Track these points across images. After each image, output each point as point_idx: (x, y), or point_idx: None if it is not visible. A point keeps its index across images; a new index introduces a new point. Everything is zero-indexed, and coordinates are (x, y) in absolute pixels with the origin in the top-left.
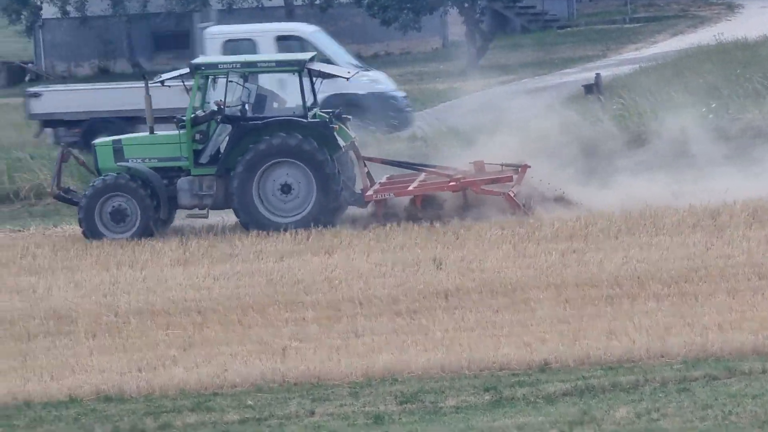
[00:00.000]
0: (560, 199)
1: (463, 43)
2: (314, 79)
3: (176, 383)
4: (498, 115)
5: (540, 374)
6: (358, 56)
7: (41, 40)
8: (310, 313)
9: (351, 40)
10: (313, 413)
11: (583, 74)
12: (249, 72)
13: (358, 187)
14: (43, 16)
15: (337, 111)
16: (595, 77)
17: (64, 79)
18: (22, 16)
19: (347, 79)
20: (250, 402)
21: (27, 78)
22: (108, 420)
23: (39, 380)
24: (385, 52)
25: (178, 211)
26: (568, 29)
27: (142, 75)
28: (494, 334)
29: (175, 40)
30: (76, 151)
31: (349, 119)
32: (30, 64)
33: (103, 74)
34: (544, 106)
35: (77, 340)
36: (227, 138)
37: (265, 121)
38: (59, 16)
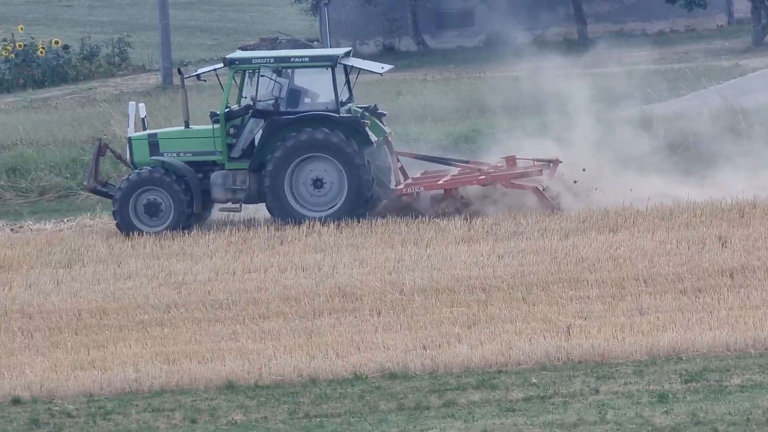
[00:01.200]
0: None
1: (748, 20)
2: (349, 74)
3: (460, 361)
4: None
5: None
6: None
7: (326, 18)
8: (594, 291)
9: (636, 17)
10: (597, 391)
11: None
12: (282, 67)
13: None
14: None
15: (373, 106)
16: None
17: None
18: None
19: (380, 74)
20: (534, 380)
21: None
22: (393, 397)
23: (324, 357)
24: (670, 30)
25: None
26: None
27: (178, 69)
28: None
29: (459, 18)
30: (113, 145)
31: (384, 114)
32: (315, 42)
33: (388, 52)
34: None
35: (362, 317)
36: (261, 132)
37: (298, 115)
38: None
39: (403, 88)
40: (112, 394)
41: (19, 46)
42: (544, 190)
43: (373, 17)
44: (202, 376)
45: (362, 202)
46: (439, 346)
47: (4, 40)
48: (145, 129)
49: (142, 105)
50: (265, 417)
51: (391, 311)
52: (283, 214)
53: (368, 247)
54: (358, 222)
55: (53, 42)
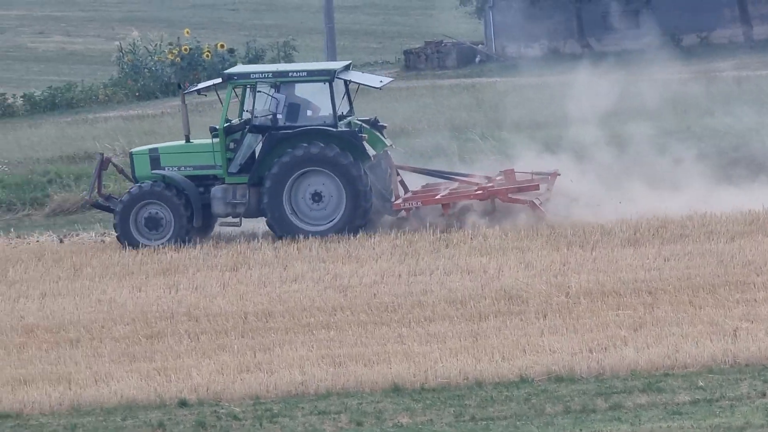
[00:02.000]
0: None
1: None
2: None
3: (626, 364)
4: None
5: None
6: None
7: (491, 21)
8: (761, 294)
9: None
10: (764, 395)
11: None
12: (280, 81)
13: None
14: None
15: (374, 118)
16: None
17: (514, 60)
18: None
19: (379, 88)
20: (701, 383)
21: (477, 59)
22: (559, 400)
23: (490, 360)
24: None
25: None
26: None
27: (178, 84)
28: None
29: (624, 21)
30: (115, 159)
31: (385, 127)
32: (480, 46)
33: (553, 55)
34: None
35: (528, 320)
36: (260, 147)
37: (295, 130)
38: None
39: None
40: (278, 397)
41: (185, 49)
42: (540, 204)
43: (538, 20)
44: (367, 379)
45: (361, 214)
46: (605, 349)
47: (170, 44)
48: None
49: None
50: (431, 420)
51: (557, 314)
52: (283, 230)
53: (534, 250)
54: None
55: (218, 46)
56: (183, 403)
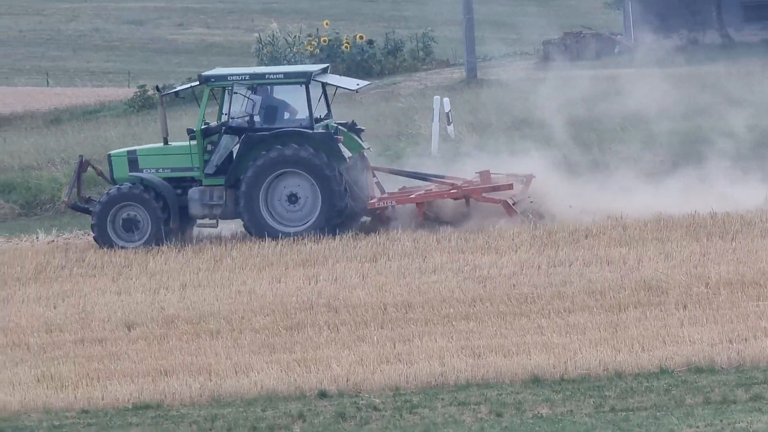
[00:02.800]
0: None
1: None
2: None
3: (767, 355)
4: None
5: None
6: None
7: (630, 11)
8: None
9: None
10: None
11: None
12: (257, 83)
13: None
14: None
15: (351, 122)
16: None
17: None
18: None
19: (356, 91)
20: None
21: (616, 50)
22: (699, 391)
23: (630, 351)
24: None
25: None
26: None
27: (156, 87)
28: None
29: (765, 10)
30: (94, 161)
31: (363, 130)
32: (618, 36)
33: (692, 46)
34: None
35: (668, 311)
36: (237, 148)
37: (271, 132)
38: None
39: (707, 81)
40: (417, 388)
41: (324, 41)
42: (514, 204)
43: (677, 10)
44: (507, 370)
45: (336, 213)
46: (746, 339)
47: (309, 35)
48: (449, 123)
49: (446, 99)
50: (571, 411)
51: (697, 305)
52: (260, 231)
53: (673, 241)
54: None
55: (357, 37)
56: (323, 394)
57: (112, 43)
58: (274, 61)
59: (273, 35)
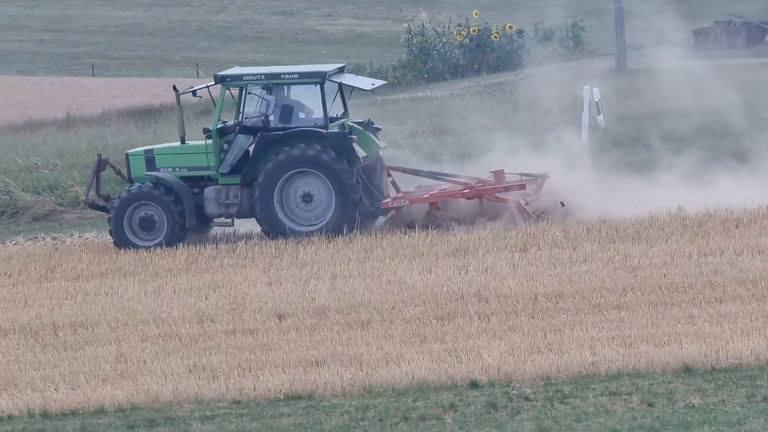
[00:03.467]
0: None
1: None
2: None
3: None
4: None
5: None
6: None
7: None
8: None
9: None
10: None
11: None
12: (272, 84)
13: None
14: None
15: (367, 121)
16: None
17: None
18: None
19: (371, 90)
20: None
21: (766, 39)
22: None
23: None
24: None
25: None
26: None
27: (173, 86)
28: None
29: None
30: (112, 160)
31: (379, 129)
32: None
33: None
34: None
35: None
36: (253, 148)
37: (286, 132)
38: None
39: None
40: (568, 378)
41: (473, 31)
42: (526, 204)
43: None
44: (658, 360)
45: (350, 213)
46: None
47: (459, 25)
48: (598, 113)
49: (596, 89)
50: (723, 401)
51: None
52: (271, 226)
53: None
54: None
55: (507, 27)
56: (474, 384)
57: (262, 34)
58: (424, 51)
59: (422, 25)
